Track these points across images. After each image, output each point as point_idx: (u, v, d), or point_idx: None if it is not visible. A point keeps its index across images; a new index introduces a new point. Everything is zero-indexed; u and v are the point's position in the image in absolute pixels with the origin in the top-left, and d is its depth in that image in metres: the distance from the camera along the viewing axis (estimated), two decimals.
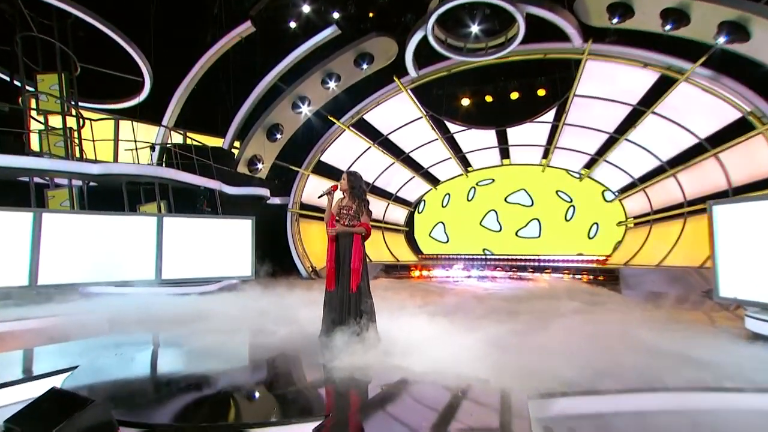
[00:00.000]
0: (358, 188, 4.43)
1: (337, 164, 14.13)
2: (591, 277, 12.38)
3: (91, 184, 9.42)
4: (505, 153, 15.36)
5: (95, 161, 8.94)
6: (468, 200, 16.37)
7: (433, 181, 16.80)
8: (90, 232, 7.89)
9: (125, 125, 9.90)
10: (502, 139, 14.47)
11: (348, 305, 4.16)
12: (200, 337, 4.79)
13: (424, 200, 17.18)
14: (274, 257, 11.37)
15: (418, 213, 17.33)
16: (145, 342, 4.91)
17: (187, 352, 4.33)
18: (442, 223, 16.82)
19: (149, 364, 4.09)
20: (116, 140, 9.67)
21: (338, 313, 4.16)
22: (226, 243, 9.79)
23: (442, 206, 16.81)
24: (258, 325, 5.40)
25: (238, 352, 4.44)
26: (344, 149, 14.20)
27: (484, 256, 15.73)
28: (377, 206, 16.44)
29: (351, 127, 13.74)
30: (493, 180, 16.00)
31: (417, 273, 14.12)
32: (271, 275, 10.42)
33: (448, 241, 16.67)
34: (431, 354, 3.81)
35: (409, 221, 17.53)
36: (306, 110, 12.96)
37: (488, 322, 5.24)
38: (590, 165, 14.25)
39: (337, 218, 4.34)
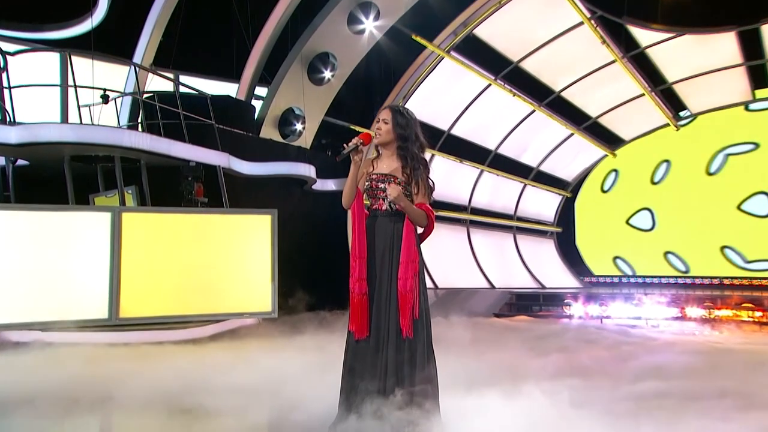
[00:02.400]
0: (412, 139, 4.07)
1: (433, 120, 13.96)
2: None
3: (20, 162, 9.62)
4: (758, 76, 14.75)
5: (15, 123, 8.93)
6: (708, 174, 16.42)
7: (610, 140, 16.78)
8: (4, 242, 7.96)
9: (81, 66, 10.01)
10: (752, 50, 13.76)
11: (386, 363, 3.92)
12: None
13: (616, 170, 17.29)
14: (321, 279, 11.50)
15: (602, 191, 17.51)
16: None
17: None
18: (648, 209, 17.02)
19: None
20: (64, 87, 9.80)
21: (371, 378, 3.93)
22: (228, 257, 9.68)
23: (652, 182, 17.09)
24: (212, 402, 5.02)
25: None
26: (443, 92, 14.26)
27: (719, 281, 15.54)
28: (507, 190, 16.39)
29: (453, 53, 13.74)
30: (757, 145, 15.70)
31: (578, 310, 13.72)
32: (313, 309, 10.54)
33: (653, 228, 16.91)
34: None
35: (563, 215, 17.74)
36: (373, 27, 12.83)
37: (679, 416, 4.52)
38: None
39: (369, 197, 4.18)
